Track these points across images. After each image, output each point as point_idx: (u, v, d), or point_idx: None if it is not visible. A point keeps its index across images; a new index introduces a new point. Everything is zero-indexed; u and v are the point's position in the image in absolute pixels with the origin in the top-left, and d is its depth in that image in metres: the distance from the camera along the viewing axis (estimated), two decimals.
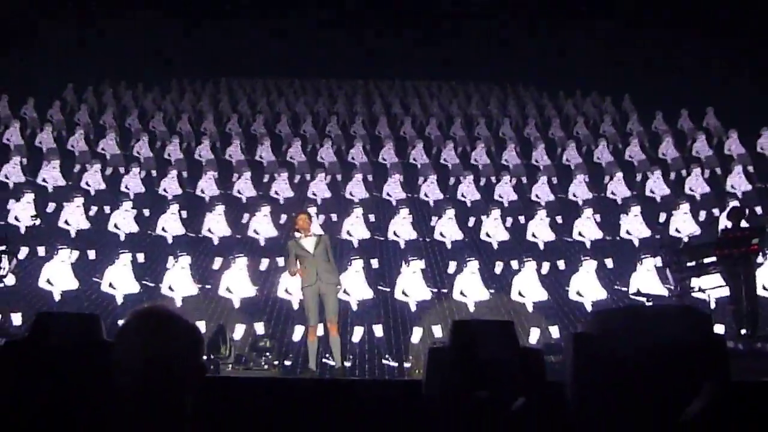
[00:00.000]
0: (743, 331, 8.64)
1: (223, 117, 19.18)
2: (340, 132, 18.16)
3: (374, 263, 12.01)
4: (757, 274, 9.06)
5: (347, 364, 9.12)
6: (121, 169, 15.40)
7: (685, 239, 12.11)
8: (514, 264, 11.70)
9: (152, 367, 1.85)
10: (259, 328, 9.94)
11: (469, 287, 10.46)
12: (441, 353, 3.10)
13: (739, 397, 3.36)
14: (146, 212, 13.64)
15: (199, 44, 20.50)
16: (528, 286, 10.49)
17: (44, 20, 18.77)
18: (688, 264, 9.50)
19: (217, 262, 11.83)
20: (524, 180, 15.47)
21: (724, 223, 10.53)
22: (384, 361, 9.57)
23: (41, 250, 11.89)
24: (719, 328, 9.00)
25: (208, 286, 10.87)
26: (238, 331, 9.74)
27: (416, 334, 9.73)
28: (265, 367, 8.83)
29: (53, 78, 18.79)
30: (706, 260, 9.44)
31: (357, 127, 18.44)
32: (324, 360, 8.82)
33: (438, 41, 20.65)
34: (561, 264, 11.95)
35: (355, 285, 10.30)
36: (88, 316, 3.46)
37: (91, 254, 12.00)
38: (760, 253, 9.52)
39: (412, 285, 10.44)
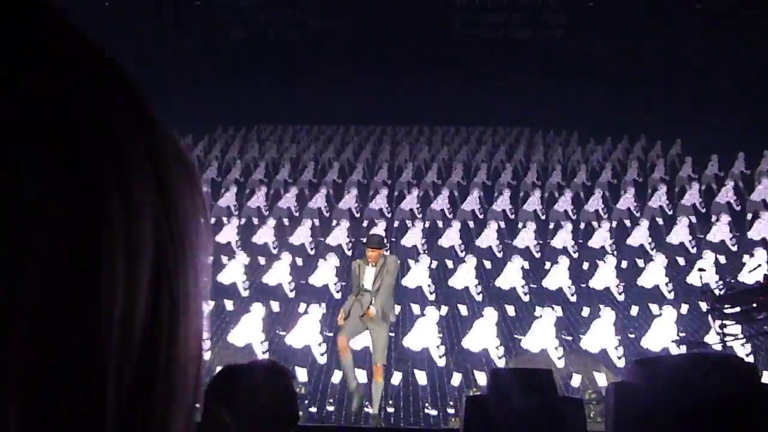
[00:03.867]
0: None
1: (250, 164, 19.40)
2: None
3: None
4: None
5: (390, 410, 8.99)
6: None
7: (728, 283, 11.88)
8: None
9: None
10: (301, 374, 9.74)
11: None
12: (479, 402, 3.06)
13: None
14: None
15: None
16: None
17: None
18: (731, 310, 9.31)
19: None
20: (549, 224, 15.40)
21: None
22: (426, 411, 9.42)
23: None
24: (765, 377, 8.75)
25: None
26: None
27: (456, 379, 9.62)
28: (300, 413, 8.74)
29: None
30: (750, 306, 9.25)
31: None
32: (365, 408, 8.67)
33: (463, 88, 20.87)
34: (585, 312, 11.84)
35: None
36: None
37: None
38: None
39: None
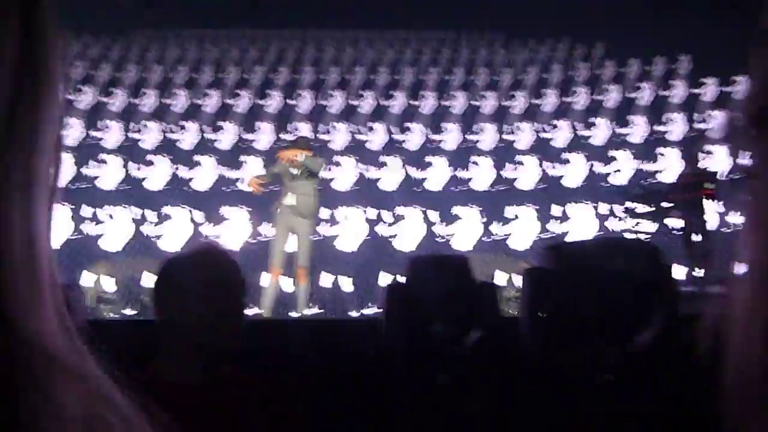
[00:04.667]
0: (697, 273, 8.88)
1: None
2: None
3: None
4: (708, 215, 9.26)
5: (317, 310, 9.12)
6: None
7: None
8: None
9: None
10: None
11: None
12: (398, 288, 3.14)
13: (688, 330, 3.45)
14: None
15: None
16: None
17: None
18: (645, 209, 9.70)
19: None
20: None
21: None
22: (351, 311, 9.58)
23: None
24: (677, 270, 9.19)
25: None
26: None
27: (384, 280, 9.81)
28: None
29: None
30: (663, 205, 9.65)
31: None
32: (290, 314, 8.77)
33: None
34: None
35: None
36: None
37: None
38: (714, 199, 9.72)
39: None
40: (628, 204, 10.18)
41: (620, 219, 10.49)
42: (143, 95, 16.50)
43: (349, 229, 10.56)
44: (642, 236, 9.67)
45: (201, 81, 17.65)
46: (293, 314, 8.65)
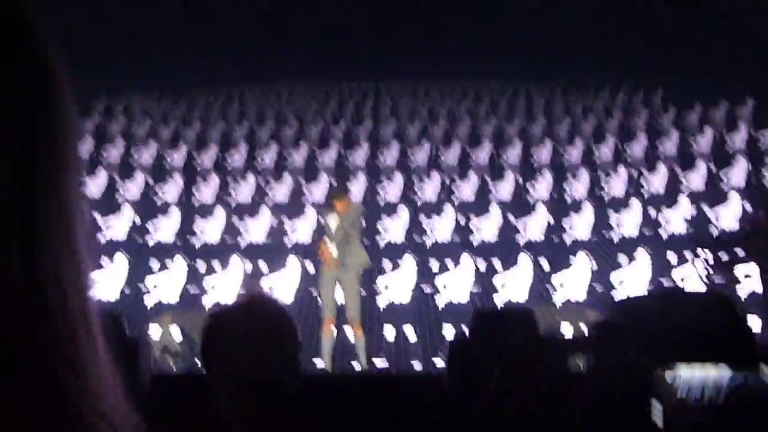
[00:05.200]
0: None
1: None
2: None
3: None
4: None
5: (382, 363, 8.97)
6: None
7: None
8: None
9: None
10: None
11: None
12: (461, 344, 3.08)
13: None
14: None
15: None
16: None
17: None
18: (720, 258, 9.39)
19: None
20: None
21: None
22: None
23: None
24: (754, 321, 8.82)
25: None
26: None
27: (448, 331, 9.70)
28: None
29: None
30: (738, 253, 9.33)
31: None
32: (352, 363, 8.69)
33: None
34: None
35: None
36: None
37: None
38: None
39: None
40: (698, 251, 9.86)
41: (683, 276, 10.17)
42: (204, 149, 16.89)
43: (402, 280, 10.49)
44: (712, 285, 9.34)
45: (260, 135, 18.00)
46: (356, 365, 8.59)
